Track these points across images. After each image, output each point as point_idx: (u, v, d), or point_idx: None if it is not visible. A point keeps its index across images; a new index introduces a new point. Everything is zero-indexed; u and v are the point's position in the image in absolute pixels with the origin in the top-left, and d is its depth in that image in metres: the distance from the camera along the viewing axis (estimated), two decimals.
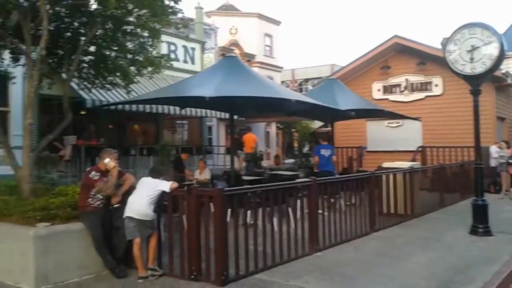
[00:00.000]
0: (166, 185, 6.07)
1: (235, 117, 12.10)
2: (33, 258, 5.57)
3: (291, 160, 21.63)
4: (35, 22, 7.46)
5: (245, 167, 16.06)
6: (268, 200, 6.68)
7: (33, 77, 7.35)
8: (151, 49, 9.58)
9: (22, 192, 6.96)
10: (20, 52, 8.29)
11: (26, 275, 5.63)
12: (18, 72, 9.52)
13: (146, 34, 9.06)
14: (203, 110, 15.42)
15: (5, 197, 6.62)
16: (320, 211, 7.51)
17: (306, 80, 42.90)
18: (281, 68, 35.31)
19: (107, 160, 6.22)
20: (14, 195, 6.86)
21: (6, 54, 8.76)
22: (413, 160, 14.00)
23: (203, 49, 19.61)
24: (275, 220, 6.83)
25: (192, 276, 5.80)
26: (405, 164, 10.91)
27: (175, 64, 16.87)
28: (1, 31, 7.63)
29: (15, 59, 8.87)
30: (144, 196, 5.97)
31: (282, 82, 38.26)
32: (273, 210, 6.84)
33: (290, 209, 8.05)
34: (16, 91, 10.91)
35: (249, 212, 6.74)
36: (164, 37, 16.01)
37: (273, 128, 31.34)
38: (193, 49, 18.63)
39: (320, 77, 30.02)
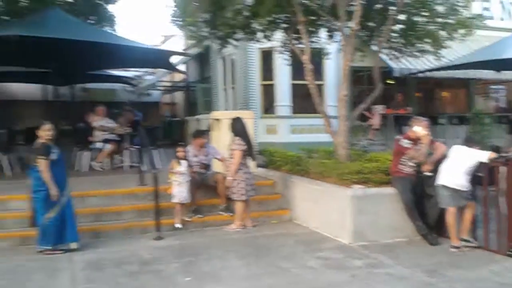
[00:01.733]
0: (484, 155, 5.64)
1: None
2: (350, 216, 6.15)
3: None
4: None
5: None
6: None
7: (347, 51, 7.91)
8: (462, 10, 8.92)
9: (338, 157, 7.66)
10: (335, 29, 9.01)
11: (344, 230, 6.26)
12: (332, 48, 10.43)
13: None
14: None
15: (324, 161, 7.45)
16: None
17: None
18: None
19: (417, 128, 6.22)
20: (331, 159, 7.63)
21: (322, 32, 9.67)
22: None
23: None
24: None
25: (509, 252, 5.35)
26: None
27: (490, 22, 15.15)
28: (320, 11, 8.45)
29: (330, 36, 9.71)
30: (459, 165, 5.73)
31: None
32: None
33: None
34: (330, 66, 11.99)
35: None
36: None
37: None
38: None
39: None
